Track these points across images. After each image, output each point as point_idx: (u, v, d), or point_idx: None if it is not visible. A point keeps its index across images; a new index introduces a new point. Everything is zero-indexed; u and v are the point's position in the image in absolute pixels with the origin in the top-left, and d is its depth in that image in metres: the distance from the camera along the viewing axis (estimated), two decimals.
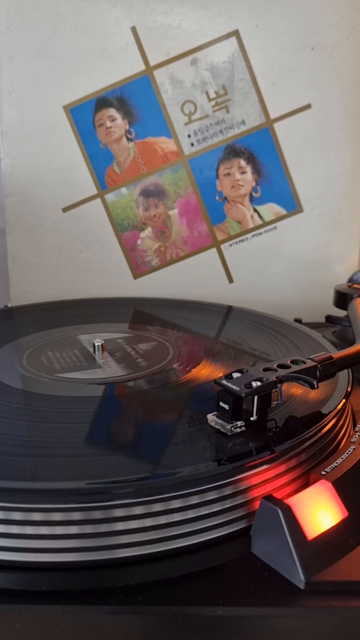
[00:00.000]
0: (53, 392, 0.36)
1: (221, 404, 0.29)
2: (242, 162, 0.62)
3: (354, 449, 0.31)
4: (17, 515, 0.24)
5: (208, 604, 0.23)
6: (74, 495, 0.24)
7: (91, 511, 0.24)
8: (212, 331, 0.49)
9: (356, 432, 0.34)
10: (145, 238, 0.64)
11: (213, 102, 0.60)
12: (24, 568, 0.24)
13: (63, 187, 0.62)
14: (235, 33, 0.59)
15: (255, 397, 0.29)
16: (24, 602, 0.23)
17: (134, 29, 0.58)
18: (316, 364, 0.31)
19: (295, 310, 0.62)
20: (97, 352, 0.42)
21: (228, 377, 0.30)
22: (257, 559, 0.25)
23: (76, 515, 0.24)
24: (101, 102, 0.60)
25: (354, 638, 0.23)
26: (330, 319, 0.54)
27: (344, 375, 0.36)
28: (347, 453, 0.30)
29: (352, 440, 0.33)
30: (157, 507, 0.25)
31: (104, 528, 0.24)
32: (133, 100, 0.60)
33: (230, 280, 0.65)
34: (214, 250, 0.64)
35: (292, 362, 0.31)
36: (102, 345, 0.42)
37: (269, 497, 0.26)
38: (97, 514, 0.24)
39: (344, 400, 0.33)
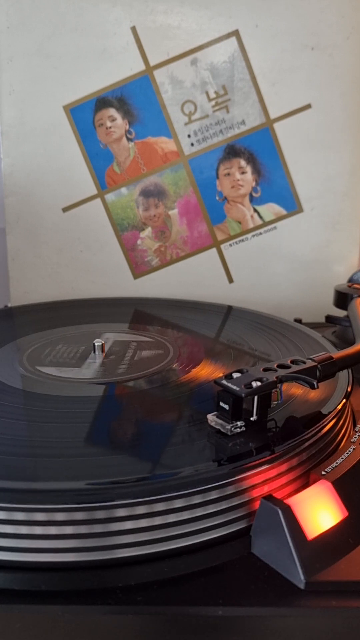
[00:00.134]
0: (53, 392, 0.36)
1: (221, 404, 0.29)
2: (242, 162, 0.62)
3: (354, 449, 0.31)
4: (17, 516, 0.24)
5: (208, 604, 0.23)
6: (74, 495, 0.24)
7: (91, 511, 0.24)
8: (212, 331, 0.49)
9: (356, 432, 0.34)
10: (145, 238, 0.64)
11: (213, 102, 0.60)
12: (24, 568, 0.24)
13: (63, 187, 0.62)
14: (235, 33, 0.59)
15: (255, 397, 0.29)
16: (24, 602, 0.23)
17: (134, 29, 0.58)
18: (316, 364, 0.31)
19: (295, 310, 0.62)
20: (97, 352, 0.42)
21: (228, 377, 0.30)
22: (257, 559, 0.25)
23: (76, 515, 0.24)
24: (101, 102, 0.60)
25: (354, 638, 0.23)
26: (330, 319, 0.54)
27: (344, 375, 0.36)
28: (347, 453, 0.30)
29: (352, 440, 0.33)
30: (157, 507, 0.25)
31: (104, 528, 0.24)
32: (133, 100, 0.60)
33: (230, 280, 0.65)
34: (214, 250, 0.64)
35: (292, 362, 0.31)
36: (102, 345, 0.42)
37: (269, 497, 0.26)
38: (97, 514, 0.24)
39: (344, 400, 0.33)
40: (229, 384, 0.29)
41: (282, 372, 0.30)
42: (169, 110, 0.60)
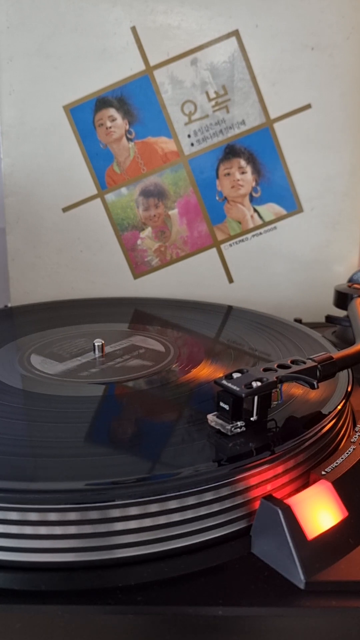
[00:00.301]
0: (53, 392, 0.36)
1: (221, 404, 0.29)
2: (242, 162, 0.62)
3: (354, 449, 0.31)
4: (17, 516, 0.24)
5: (208, 604, 0.23)
6: (74, 496, 0.24)
7: (91, 511, 0.24)
8: (212, 331, 0.49)
9: (356, 432, 0.34)
10: (145, 238, 0.64)
11: (213, 102, 0.60)
12: (24, 568, 0.24)
13: (63, 187, 0.62)
14: (235, 33, 0.59)
15: (256, 398, 0.29)
16: (24, 602, 0.23)
17: (134, 29, 0.58)
18: (316, 364, 0.31)
19: (295, 310, 0.62)
20: (97, 352, 0.42)
21: (228, 377, 0.30)
22: (257, 559, 0.25)
23: (76, 516, 0.24)
24: (101, 102, 0.60)
25: (354, 638, 0.23)
26: (330, 319, 0.54)
27: (344, 376, 0.36)
28: (347, 453, 0.30)
29: (352, 440, 0.33)
30: (157, 507, 0.25)
31: (104, 528, 0.24)
32: (133, 100, 0.60)
33: (230, 280, 0.65)
34: (214, 250, 0.64)
35: (292, 362, 0.31)
36: (102, 345, 0.42)
37: (269, 497, 0.26)
38: (97, 514, 0.24)
39: (344, 400, 0.33)
40: (229, 384, 0.29)
41: (282, 372, 0.30)
42: (169, 110, 0.60)
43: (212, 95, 0.60)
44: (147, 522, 0.25)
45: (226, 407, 0.29)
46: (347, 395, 0.34)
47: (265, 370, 0.30)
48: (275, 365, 0.31)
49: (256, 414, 0.29)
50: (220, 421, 0.29)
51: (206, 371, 0.39)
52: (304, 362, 0.31)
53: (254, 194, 0.63)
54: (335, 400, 0.33)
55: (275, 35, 0.59)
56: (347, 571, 0.24)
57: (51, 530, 0.24)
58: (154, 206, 0.63)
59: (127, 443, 0.30)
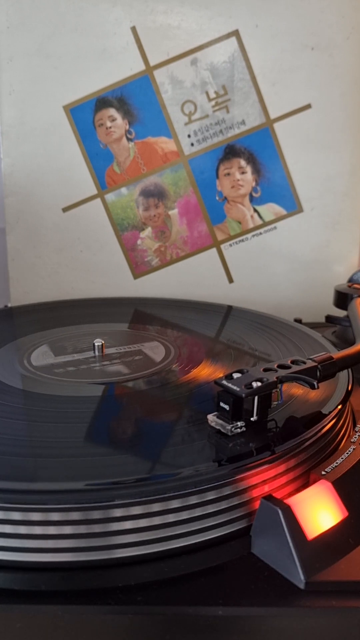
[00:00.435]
0: (53, 392, 0.36)
1: (221, 404, 0.29)
2: (242, 162, 0.62)
3: (354, 449, 0.31)
4: (17, 515, 0.24)
5: (208, 604, 0.23)
6: (74, 496, 0.24)
7: (91, 511, 0.24)
8: (212, 331, 0.49)
9: (356, 432, 0.34)
10: (145, 238, 0.64)
11: (213, 102, 0.60)
12: (24, 568, 0.24)
13: (63, 187, 0.62)
14: (235, 33, 0.59)
15: (256, 398, 0.29)
16: (24, 602, 0.23)
17: (134, 29, 0.58)
18: (316, 364, 0.31)
19: (295, 310, 0.62)
20: (96, 352, 0.42)
21: (228, 377, 0.30)
22: (257, 559, 0.25)
23: (76, 516, 0.24)
24: (101, 102, 0.60)
25: (354, 638, 0.23)
26: (330, 319, 0.54)
27: (344, 376, 0.36)
28: (347, 453, 0.30)
29: (352, 440, 0.33)
30: (157, 508, 0.25)
31: (104, 528, 0.24)
32: (133, 100, 0.60)
33: (230, 280, 0.65)
34: (214, 250, 0.64)
35: (292, 362, 0.31)
36: (102, 345, 0.43)
37: (269, 497, 0.26)
38: (97, 514, 0.24)
39: (344, 400, 0.33)
40: (229, 384, 0.29)
41: (282, 373, 0.30)
42: (169, 110, 0.60)
43: (212, 95, 0.60)
44: (147, 522, 0.25)
45: (226, 407, 0.29)
46: (347, 395, 0.34)
47: (265, 370, 0.30)
48: (276, 366, 0.31)
49: (256, 414, 0.29)
50: (220, 421, 0.29)
51: (206, 371, 0.39)
52: (304, 362, 0.31)
53: (254, 194, 0.63)
54: (335, 400, 0.33)
55: (275, 35, 0.59)
56: (347, 571, 0.24)
57: (51, 530, 0.24)
58: (154, 206, 0.63)
59: (127, 443, 0.30)
